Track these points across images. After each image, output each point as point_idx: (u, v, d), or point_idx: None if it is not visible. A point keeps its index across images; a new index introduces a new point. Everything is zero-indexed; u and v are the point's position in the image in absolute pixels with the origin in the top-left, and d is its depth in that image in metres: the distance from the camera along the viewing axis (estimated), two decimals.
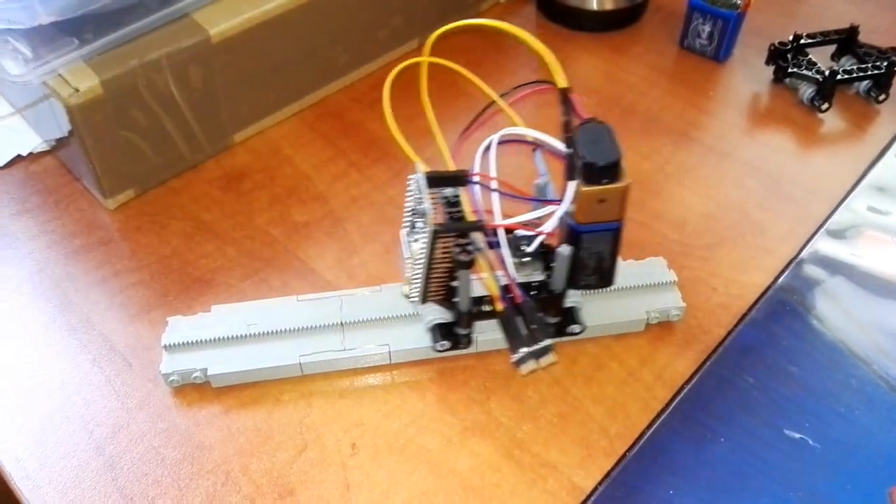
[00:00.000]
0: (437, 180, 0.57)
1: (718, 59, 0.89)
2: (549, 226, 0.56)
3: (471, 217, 0.56)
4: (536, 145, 0.58)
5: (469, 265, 0.55)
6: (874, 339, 0.65)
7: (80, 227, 0.73)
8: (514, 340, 0.57)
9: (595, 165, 0.53)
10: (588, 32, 0.93)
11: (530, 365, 0.57)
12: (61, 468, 0.58)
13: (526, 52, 0.91)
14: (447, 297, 0.59)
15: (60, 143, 0.75)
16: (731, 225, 0.73)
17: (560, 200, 0.55)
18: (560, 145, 0.56)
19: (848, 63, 0.85)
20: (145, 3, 0.69)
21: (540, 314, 0.57)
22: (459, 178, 0.57)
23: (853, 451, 0.59)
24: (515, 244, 0.58)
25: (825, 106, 0.82)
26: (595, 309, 0.64)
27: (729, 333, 0.65)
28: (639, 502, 0.56)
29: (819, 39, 0.86)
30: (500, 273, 0.57)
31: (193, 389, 0.62)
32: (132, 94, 0.69)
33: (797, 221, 0.73)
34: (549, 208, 0.57)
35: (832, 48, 0.87)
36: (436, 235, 0.54)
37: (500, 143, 0.57)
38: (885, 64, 0.82)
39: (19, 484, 0.58)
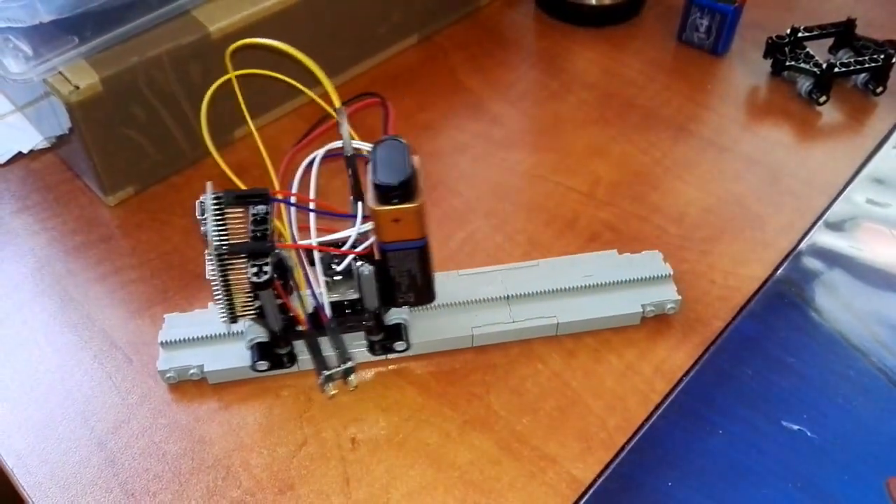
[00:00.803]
0: (242, 199, 0.55)
1: (716, 52, 0.89)
2: (351, 245, 0.56)
3: (287, 235, 0.56)
4: (367, 160, 0.57)
5: (265, 286, 0.54)
6: (873, 331, 0.65)
7: (81, 224, 0.73)
8: (318, 362, 0.58)
9: (384, 185, 0.52)
10: (586, 27, 0.93)
11: (333, 387, 0.59)
12: (62, 464, 0.58)
13: (525, 45, 0.91)
14: (260, 315, 0.58)
15: (61, 141, 0.76)
16: (730, 218, 0.73)
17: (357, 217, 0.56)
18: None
19: (845, 56, 0.85)
20: (146, 1, 0.69)
21: (342, 335, 0.59)
22: (261, 196, 0.56)
23: (851, 443, 0.59)
24: (328, 263, 0.58)
25: (823, 99, 0.82)
26: (589, 303, 0.64)
27: (728, 326, 0.65)
28: (638, 494, 0.57)
29: (816, 33, 0.86)
30: (310, 292, 0.57)
31: (193, 385, 0.62)
32: (132, 92, 0.69)
33: (796, 214, 0.73)
34: (352, 228, 0.57)
35: (830, 41, 0.87)
36: (220, 258, 0.54)
37: (331, 157, 0.57)
38: (882, 57, 0.82)
39: (21, 479, 0.58)
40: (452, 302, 0.64)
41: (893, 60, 0.82)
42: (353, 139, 0.56)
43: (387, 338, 0.62)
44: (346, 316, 0.60)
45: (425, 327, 0.63)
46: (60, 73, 0.66)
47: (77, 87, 0.66)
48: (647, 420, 0.60)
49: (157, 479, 0.58)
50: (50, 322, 0.67)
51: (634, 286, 0.65)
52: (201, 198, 0.55)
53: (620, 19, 0.94)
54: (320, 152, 0.57)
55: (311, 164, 0.57)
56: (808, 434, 0.59)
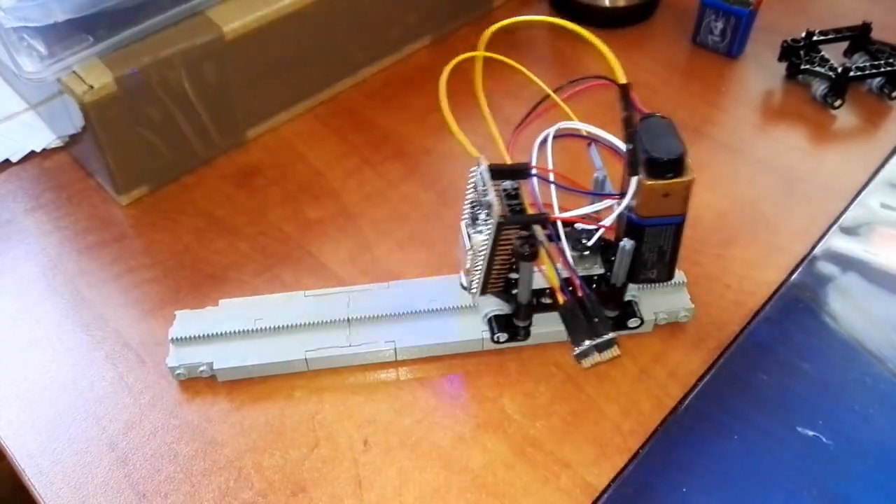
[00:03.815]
0: (497, 173, 0.56)
1: (731, 55, 0.88)
2: (610, 220, 0.56)
3: (529, 210, 0.56)
4: (591, 140, 0.58)
5: (532, 257, 0.55)
6: (888, 337, 0.64)
7: (94, 224, 0.73)
8: (577, 333, 0.57)
9: (660, 160, 0.53)
10: (600, 29, 0.93)
11: (593, 358, 0.57)
12: (74, 464, 0.58)
13: (538, 47, 0.91)
14: (506, 288, 0.59)
15: (74, 140, 0.76)
16: (745, 222, 0.73)
17: (619, 194, 0.55)
18: (615, 140, 0.56)
19: (860, 60, 0.85)
20: (160, 1, 0.69)
21: (601, 307, 0.58)
22: (521, 171, 0.57)
23: (867, 449, 0.58)
24: (575, 238, 0.58)
25: (838, 102, 0.82)
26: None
27: (742, 331, 0.65)
28: (652, 500, 0.56)
29: (832, 36, 0.86)
30: (559, 266, 0.57)
31: (205, 385, 0.62)
32: (146, 91, 0.69)
33: (810, 218, 0.73)
34: (606, 202, 0.57)
35: (844, 45, 0.87)
36: (500, 227, 0.54)
37: (555, 137, 0.57)
38: None
39: (33, 480, 0.58)
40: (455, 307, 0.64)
41: None
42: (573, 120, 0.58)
43: (621, 314, 0.63)
44: (591, 291, 0.59)
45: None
46: (75, 72, 0.66)
47: (91, 87, 0.66)
48: (661, 425, 0.60)
49: (169, 480, 0.57)
50: (62, 322, 0.67)
51: (647, 293, 0.65)
52: (476, 169, 0.56)
53: (634, 21, 0.94)
54: (551, 130, 0.58)
55: (543, 142, 0.58)
56: (824, 440, 0.59)
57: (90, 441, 0.59)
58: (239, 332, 0.62)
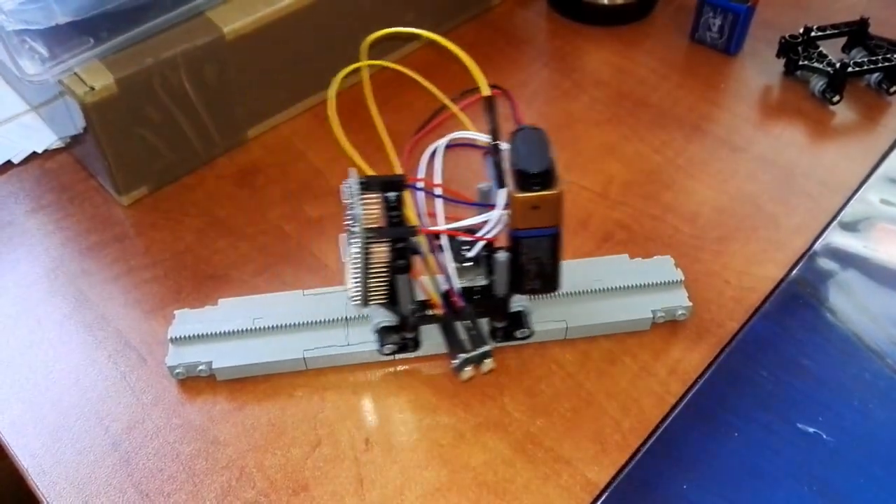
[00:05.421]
0: (376, 185, 0.56)
1: (729, 52, 0.89)
2: (487, 231, 0.56)
3: (414, 221, 0.56)
4: (486, 150, 0.58)
5: (405, 270, 0.55)
6: (888, 332, 0.65)
7: (95, 224, 0.74)
8: (454, 346, 0.58)
9: (527, 172, 0.53)
10: (599, 26, 0.93)
11: (469, 371, 0.58)
12: (77, 464, 0.59)
13: (537, 44, 0.91)
14: (391, 300, 0.59)
15: (75, 141, 0.76)
16: (744, 218, 0.73)
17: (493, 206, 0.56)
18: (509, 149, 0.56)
19: (859, 55, 0.85)
20: (160, 2, 0.69)
21: (478, 320, 0.58)
22: (397, 183, 0.56)
23: (867, 445, 0.59)
24: (457, 249, 0.58)
25: (836, 98, 0.82)
26: (599, 307, 0.64)
27: (742, 327, 0.65)
28: (652, 497, 0.57)
29: (830, 32, 0.86)
30: (442, 277, 0.57)
31: (207, 385, 0.62)
32: (147, 92, 0.69)
33: (810, 214, 0.73)
34: (491, 213, 0.57)
35: (842, 41, 0.87)
36: (367, 240, 0.55)
37: (451, 146, 0.57)
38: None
39: (36, 480, 0.58)
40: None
41: None
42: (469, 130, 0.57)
43: (509, 325, 0.63)
44: (473, 302, 0.60)
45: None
46: (76, 73, 0.67)
47: (92, 88, 0.66)
48: (661, 422, 0.60)
49: (172, 479, 0.58)
50: (64, 322, 0.67)
51: (645, 291, 0.65)
52: (346, 181, 0.56)
53: (633, 18, 0.94)
54: (443, 141, 0.58)
55: (433, 153, 0.57)
56: (824, 436, 0.59)
57: (93, 441, 0.60)
58: (238, 331, 0.63)
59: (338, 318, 0.63)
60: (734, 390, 0.61)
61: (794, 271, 0.69)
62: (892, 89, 0.83)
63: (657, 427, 0.60)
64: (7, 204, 0.75)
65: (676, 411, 0.60)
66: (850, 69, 0.81)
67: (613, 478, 0.57)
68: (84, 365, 0.64)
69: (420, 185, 0.56)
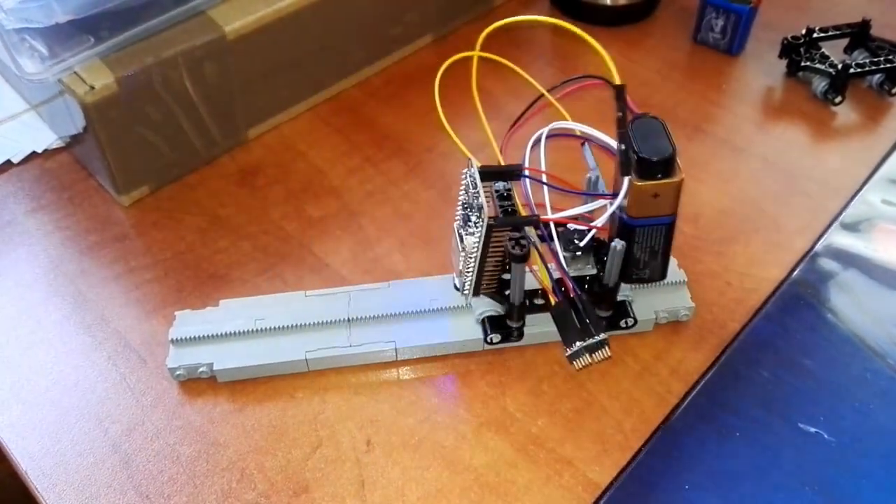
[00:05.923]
0: (489, 175, 0.57)
1: (731, 53, 0.88)
2: (602, 220, 0.57)
3: (522, 211, 0.57)
4: (584, 140, 0.58)
5: (523, 259, 0.55)
6: (889, 333, 0.64)
7: (95, 224, 0.73)
8: (569, 334, 0.57)
9: (649, 160, 0.53)
10: (601, 27, 0.93)
11: (584, 359, 0.57)
12: (77, 466, 0.58)
13: (540, 44, 0.91)
14: (499, 289, 0.60)
15: (75, 140, 0.76)
16: (745, 219, 0.73)
17: (611, 195, 0.55)
18: (609, 140, 0.56)
19: (860, 57, 0.85)
20: (161, 1, 0.69)
21: (593, 308, 0.57)
22: (512, 173, 0.57)
23: (868, 446, 0.58)
24: (567, 238, 0.58)
25: (838, 99, 0.82)
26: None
27: (744, 328, 0.65)
28: (654, 497, 0.56)
29: (832, 33, 0.86)
30: (551, 267, 0.57)
31: (207, 386, 0.62)
32: (147, 92, 0.69)
33: (811, 215, 0.73)
34: (599, 202, 0.57)
35: (844, 42, 0.87)
36: (490, 229, 0.55)
37: (549, 137, 0.57)
38: None
39: (35, 482, 0.58)
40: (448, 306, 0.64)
41: None
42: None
43: (614, 315, 0.63)
44: (583, 292, 0.60)
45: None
46: (76, 73, 0.66)
47: (92, 87, 0.66)
48: (663, 422, 0.60)
49: (172, 481, 0.58)
50: (64, 322, 0.67)
51: (648, 292, 0.65)
52: (467, 171, 0.57)
53: (635, 19, 0.94)
54: (545, 131, 0.58)
55: (536, 142, 0.58)
56: (825, 437, 0.59)
57: (93, 442, 0.60)
58: (239, 332, 0.62)
59: (340, 319, 0.63)
60: (736, 391, 0.61)
61: (796, 272, 0.69)
62: (893, 90, 0.83)
63: (659, 427, 0.60)
64: (6, 203, 0.75)
65: (678, 412, 0.60)
66: (851, 70, 0.81)
67: (615, 478, 0.57)
68: (84, 366, 0.64)
69: (543, 177, 0.57)
